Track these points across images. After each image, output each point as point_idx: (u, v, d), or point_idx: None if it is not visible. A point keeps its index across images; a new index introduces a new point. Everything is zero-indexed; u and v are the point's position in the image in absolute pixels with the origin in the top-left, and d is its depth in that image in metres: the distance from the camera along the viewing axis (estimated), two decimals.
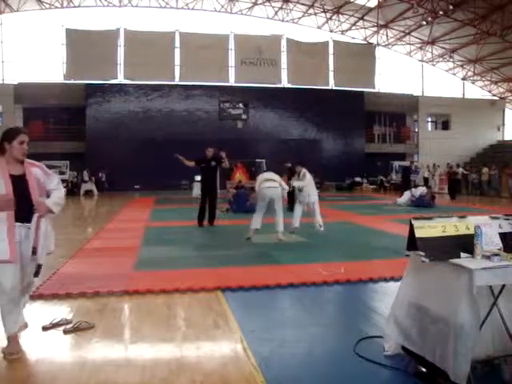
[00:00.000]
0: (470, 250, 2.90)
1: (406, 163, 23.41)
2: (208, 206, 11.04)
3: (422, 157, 30.63)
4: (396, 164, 27.21)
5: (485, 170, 24.93)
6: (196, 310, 4.66)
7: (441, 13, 24.48)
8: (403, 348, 3.30)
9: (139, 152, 24.72)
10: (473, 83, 33.45)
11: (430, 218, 3.08)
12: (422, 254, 2.89)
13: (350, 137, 29.57)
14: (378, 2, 25.73)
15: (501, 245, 3.03)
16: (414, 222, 2.99)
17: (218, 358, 3.51)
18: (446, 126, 33.68)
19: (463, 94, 33.72)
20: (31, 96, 25.78)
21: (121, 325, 4.33)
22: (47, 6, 26.49)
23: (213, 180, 11.25)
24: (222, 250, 7.94)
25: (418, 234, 2.92)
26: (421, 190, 16.52)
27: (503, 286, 2.91)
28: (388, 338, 3.45)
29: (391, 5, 25.65)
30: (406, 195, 16.56)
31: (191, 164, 11.05)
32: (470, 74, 32.51)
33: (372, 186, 27.83)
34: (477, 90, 33.89)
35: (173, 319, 4.41)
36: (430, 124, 34.06)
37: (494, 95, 33.94)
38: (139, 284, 5.42)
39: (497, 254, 2.84)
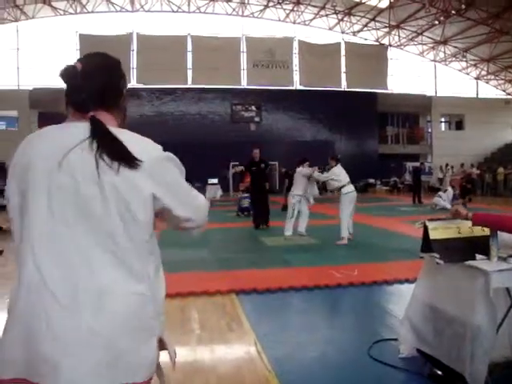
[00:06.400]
0: (486, 252, 2.88)
1: (418, 164, 23.23)
2: (261, 209, 10.99)
3: (435, 157, 30.40)
4: (409, 165, 26.99)
5: (500, 169, 24.66)
6: (210, 313, 4.68)
7: (453, 12, 24.29)
8: (418, 350, 3.28)
9: None
10: (486, 82, 33.11)
11: (444, 220, 3.05)
12: (437, 256, 2.87)
13: (362, 138, 29.44)
14: (390, 2, 25.62)
15: None
16: (428, 223, 2.97)
17: (233, 361, 3.52)
18: (459, 126, 33.38)
19: (477, 94, 33.39)
20: (46, 101, 26.02)
21: None
22: (61, 12, 26.80)
23: (263, 183, 11.06)
24: (236, 253, 7.96)
25: (433, 235, 2.90)
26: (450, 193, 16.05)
27: None
28: (403, 340, 3.43)
29: (403, 5, 25.50)
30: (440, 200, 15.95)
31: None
32: (483, 73, 32.19)
33: (386, 188, 27.66)
34: (491, 90, 33.53)
35: (187, 322, 4.43)
36: (443, 124, 33.79)
37: (509, 94, 33.55)
38: None
39: None
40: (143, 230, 1.29)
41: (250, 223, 11.36)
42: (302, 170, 9.41)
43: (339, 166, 9.09)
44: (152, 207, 1.31)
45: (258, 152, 10.87)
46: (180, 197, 1.38)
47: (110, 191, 1.24)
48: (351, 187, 8.96)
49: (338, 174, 8.95)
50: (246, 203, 13.89)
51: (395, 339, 3.60)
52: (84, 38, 27.12)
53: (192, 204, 1.42)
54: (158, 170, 1.31)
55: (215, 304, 4.93)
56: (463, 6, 23.57)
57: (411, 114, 31.45)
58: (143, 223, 1.29)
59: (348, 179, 8.97)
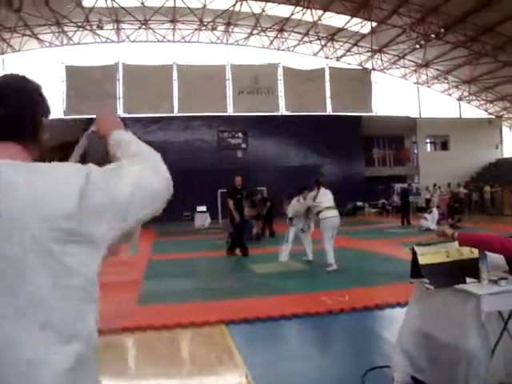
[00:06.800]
0: (476, 275, 2.84)
1: (405, 185, 23.40)
2: (241, 236, 10.93)
3: (422, 178, 30.62)
4: (397, 186, 27.13)
5: (486, 188, 24.93)
6: (199, 345, 4.58)
7: (433, 36, 24.80)
8: (412, 378, 3.21)
9: None
10: (468, 103, 33.67)
11: (432, 244, 3.02)
12: (427, 281, 2.83)
13: (349, 161, 29.59)
14: (371, 27, 26.12)
15: (507, 267, 2.97)
16: (416, 248, 2.94)
17: None
18: (444, 146, 33.78)
19: (460, 114, 33.92)
20: None
21: (123, 363, 4.24)
22: (47, 44, 26.94)
23: (243, 210, 11.00)
24: (226, 282, 7.85)
25: (422, 260, 2.87)
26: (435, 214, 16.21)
27: None
28: (396, 367, 3.36)
29: (384, 30, 26.01)
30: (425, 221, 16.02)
31: (232, 203, 10.69)
32: (465, 94, 32.76)
33: (374, 210, 27.71)
34: (473, 110, 34.10)
35: (176, 355, 4.33)
36: (428, 145, 34.14)
37: (491, 114, 34.14)
38: (142, 319, 5.33)
39: (504, 278, 2.78)
40: (79, 277, 1.06)
41: (238, 251, 11.21)
42: (289, 207, 9.45)
43: (321, 189, 8.78)
44: (90, 249, 1.08)
45: (240, 179, 10.84)
46: (131, 207, 1.12)
47: (29, 240, 1.00)
48: (331, 212, 8.53)
49: (319, 200, 8.66)
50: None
51: (389, 366, 3.53)
52: (70, 69, 27.23)
53: (150, 190, 1.17)
54: (82, 210, 1.04)
55: (204, 335, 4.82)
56: (442, 30, 24.10)
57: (396, 136, 31.74)
58: (79, 272, 1.06)
59: (329, 204, 8.57)
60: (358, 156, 30.15)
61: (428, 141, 33.83)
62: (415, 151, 32.96)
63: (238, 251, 10.89)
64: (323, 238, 8.48)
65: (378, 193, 28.17)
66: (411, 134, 32.40)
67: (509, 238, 2.84)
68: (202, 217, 22.71)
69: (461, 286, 2.77)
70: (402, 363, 3.27)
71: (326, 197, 8.69)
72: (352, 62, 31.07)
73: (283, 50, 29.88)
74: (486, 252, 2.87)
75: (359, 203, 28.07)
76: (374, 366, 3.69)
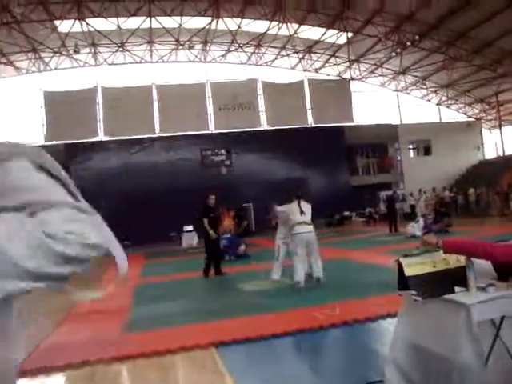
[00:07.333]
0: (464, 283, 2.79)
1: (390, 193, 23.46)
2: (215, 255, 10.75)
3: (407, 184, 30.80)
4: (383, 194, 27.22)
5: (471, 190, 25.13)
6: (190, 370, 4.46)
7: (408, 43, 25.16)
8: None
9: (126, 208, 24.33)
10: (448, 107, 34.10)
11: (418, 255, 2.97)
12: (414, 292, 2.77)
13: (334, 172, 29.68)
14: (347, 38, 26.41)
15: (494, 273, 2.93)
16: (402, 260, 2.88)
17: None
18: (427, 151, 34.05)
19: (440, 119, 34.32)
20: None
21: None
22: (24, 71, 26.79)
23: (217, 229, 10.97)
24: (214, 302, 7.73)
25: (408, 272, 2.81)
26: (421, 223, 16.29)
27: (503, 316, 2.79)
28: (389, 382, 3.28)
29: (360, 40, 26.31)
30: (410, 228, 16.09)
31: (206, 221, 10.51)
32: (444, 98, 33.18)
33: (361, 219, 27.75)
34: (453, 114, 34.53)
35: (166, 383, 4.20)
36: (411, 151, 34.39)
37: (470, 117, 34.59)
38: (130, 347, 5.20)
39: (492, 285, 2.74)
40: None
41: (226, 269, 11.00)
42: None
43: (294, 202, 8.39)
44: None
45: (214, 198, 10.75)
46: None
47: None
48: (303, 228, 8.10)
49: (293, 212, 8.29)
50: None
51: (382, 381, 3.45)
52: (48, 95, 27.09)
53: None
54: None
55: (195, 360, 4.70)
56: (417, 37, 24.46)
57: (379, 144, 31.94)
58: None
59: (303, 219, 8.16)
60: (342, 166, 30.29)
61: (410, 147, 34.09)
62: (398, 158, 33.19)
63: (226, 270, 10.77)
64: (294, 253, 8.24)
65: (365, 201, 28.26)
66: (393, 140, 32.67)
67: (492, 244, 2.80)
68: (189, 236, 22.45)
69: (450, 296, 2.72)
70: (395, 377, 3.19)
71: (295, 210, 8.33)
72: (330, 72, 31.33)
73: (261, 64, 30.06)
74: (473, 259, 2.82)
75: (346, 213, 28.11)
76: (367, 382, 3.62)
